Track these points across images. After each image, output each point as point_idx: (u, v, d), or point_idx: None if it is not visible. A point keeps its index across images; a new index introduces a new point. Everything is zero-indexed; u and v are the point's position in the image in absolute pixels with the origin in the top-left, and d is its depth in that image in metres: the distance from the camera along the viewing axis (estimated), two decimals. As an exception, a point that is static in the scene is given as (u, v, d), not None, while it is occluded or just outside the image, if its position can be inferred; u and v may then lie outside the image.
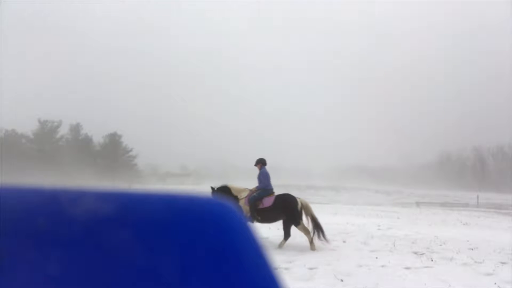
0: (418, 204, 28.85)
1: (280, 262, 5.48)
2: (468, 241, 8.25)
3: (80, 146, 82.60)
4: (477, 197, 33.23)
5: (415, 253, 6.68)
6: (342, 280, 4.67)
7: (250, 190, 7.45)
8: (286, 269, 5.15)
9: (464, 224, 12.57)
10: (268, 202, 7.12)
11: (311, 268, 5.24)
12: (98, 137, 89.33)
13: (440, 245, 7.63)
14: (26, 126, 77.72)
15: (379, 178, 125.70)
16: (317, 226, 6.86)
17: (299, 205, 7.04)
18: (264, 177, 7.44)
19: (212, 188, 7.60)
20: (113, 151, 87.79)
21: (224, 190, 7.48)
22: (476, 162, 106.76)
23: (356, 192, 49.18)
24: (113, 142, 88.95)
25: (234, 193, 7.44)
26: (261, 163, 7.70)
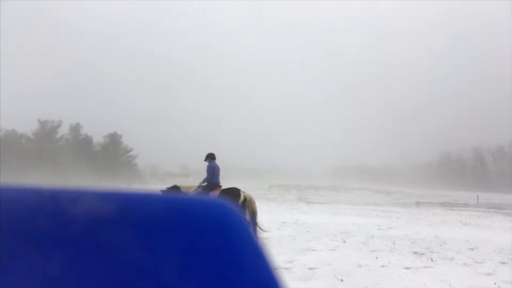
0: (418, 204, 28.78)
1: (280, 262, 5.48)
2: (468, 241, 8.25)
3: (80, 146, 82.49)
4: (477, 197, 33.21)
5: (415, 253, 6.69)
6: (342, 280, 4.67)
7: (197, 186, 7.58)
8: (286, 269, 5.15)
9: (464, 224, 12.57)
10: (213, 196, 7.21)
11: (311, 268, 5.25)
12: (98, 137, 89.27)
13: (440, 245, 7.63)
14: (26, 126, 77.64)
15: (379, 178, 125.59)
16: (253, 221, 7.08)
17: (241, 199, 7.16)
18: (210, 171, 7.56)
19: (162, 190, 7.79)
20: (113, 151, 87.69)
21: (174, 189, 7.67)
22: (476, 162, 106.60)
23: (356, 192, 49.08)
24: (113, 142, 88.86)
25: (183, 191, 7.62)
26: (210, 157, 7.81)
